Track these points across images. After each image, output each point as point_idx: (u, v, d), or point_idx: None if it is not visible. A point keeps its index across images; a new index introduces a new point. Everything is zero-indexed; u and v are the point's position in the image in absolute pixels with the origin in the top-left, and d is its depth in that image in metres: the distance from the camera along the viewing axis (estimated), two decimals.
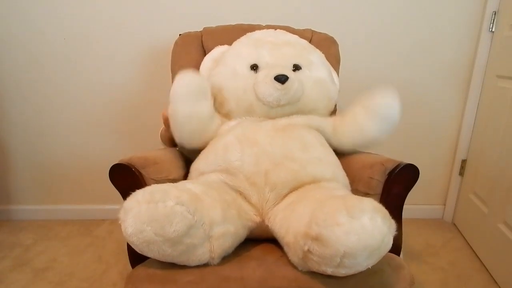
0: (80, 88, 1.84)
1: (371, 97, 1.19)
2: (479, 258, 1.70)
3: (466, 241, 1.85)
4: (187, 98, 1.10)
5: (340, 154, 1.23)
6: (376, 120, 1.17)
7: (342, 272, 0.77)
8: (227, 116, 1.25)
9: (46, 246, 1.77)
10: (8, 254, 1.71)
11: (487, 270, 1.62)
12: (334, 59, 1.49)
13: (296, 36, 1.34)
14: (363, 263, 0.76)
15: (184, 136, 1.17)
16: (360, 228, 0.72)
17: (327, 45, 1.49)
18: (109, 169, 1.02)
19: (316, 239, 0.75)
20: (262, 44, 1.26)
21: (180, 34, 1.51)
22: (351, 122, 1.22)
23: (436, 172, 2.03)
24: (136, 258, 0.94)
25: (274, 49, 1.24)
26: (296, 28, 1.51)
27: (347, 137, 1.22)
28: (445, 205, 2.07)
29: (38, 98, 1.85)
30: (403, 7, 1.76)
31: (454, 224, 2.03)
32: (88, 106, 1.87)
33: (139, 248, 0.81)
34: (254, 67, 1.21)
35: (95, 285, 1.50)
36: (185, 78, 1.09)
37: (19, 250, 1.74)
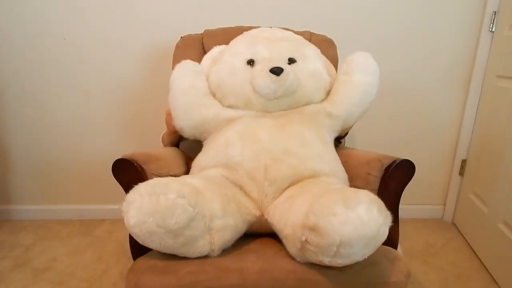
0: (81, 89, 1.85)
1: (347, 63, 1.27)
2: (479, 258, 1.70)
3: (466, 241, 1.85)
4: (184, 75, 1.24)
5: (338, 151, 1.24)
6: (360, 73, 1.23)
7: (339, 261, 0.78)
8: None
9: (46, 246, 1.77)
10: (8, 254, 1.70)
11: (487, 270, 1.62)
12: (332, 60, 1.49)
13: (291, 32, 1.37)
14: (359, 253, 0.77)
15: (182, 115, 1.22)
16: (356, 218, 0.73)
17: (325, 47, 1.50)
18: (110, 167, 1.03)
19: (313, 229, 0.76)
20: (258, 40, 1.28)
21: (181, 37, 1.53)
22: (341, 87, 1.26)
23: (436, 172, 2.03)
24: (138, 251, 0.95)
25: (270, 44, 1.26)
26: (295, 30, 1.52)
27: (344, 99, 1.25)
28: (445, 205, 2.07)
29: (38, 98, 1.85)
30: (403, 7, 1.77)
31: (454, 224, 2.02)
32: (89, 107, 1.87)
33: (141, 239, 0.82)
34: (251, 62, 1.23)
35: (95, 285, 1.50)
36: (183, 63, 1.26)
37: (19, 250, 1.73)
